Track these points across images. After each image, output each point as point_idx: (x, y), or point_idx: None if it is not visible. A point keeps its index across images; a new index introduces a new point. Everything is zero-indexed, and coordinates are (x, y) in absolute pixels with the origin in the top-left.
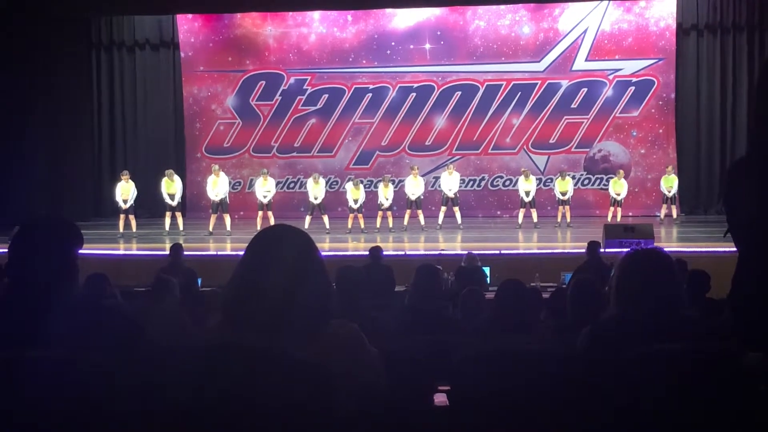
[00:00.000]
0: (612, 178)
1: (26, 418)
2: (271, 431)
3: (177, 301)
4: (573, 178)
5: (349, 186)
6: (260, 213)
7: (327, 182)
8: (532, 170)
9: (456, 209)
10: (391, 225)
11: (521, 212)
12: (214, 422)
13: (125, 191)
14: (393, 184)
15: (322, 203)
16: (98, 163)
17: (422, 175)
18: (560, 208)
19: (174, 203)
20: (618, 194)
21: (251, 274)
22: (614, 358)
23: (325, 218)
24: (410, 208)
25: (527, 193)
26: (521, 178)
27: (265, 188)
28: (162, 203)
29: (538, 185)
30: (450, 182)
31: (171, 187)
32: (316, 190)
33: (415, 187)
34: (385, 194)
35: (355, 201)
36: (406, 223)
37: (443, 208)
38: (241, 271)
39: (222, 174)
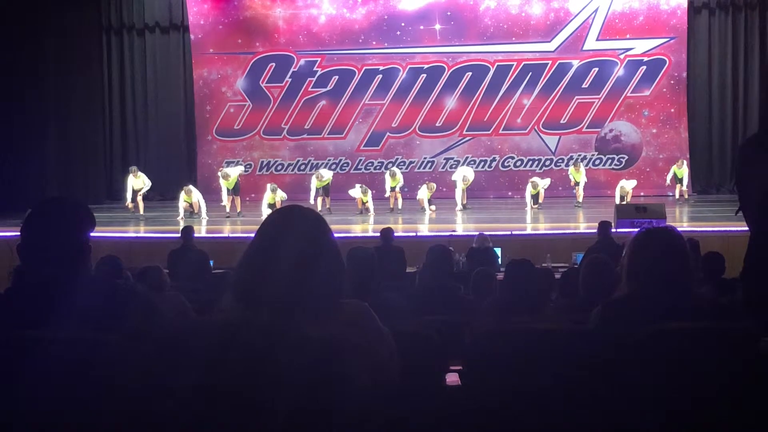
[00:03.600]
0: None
1: (39, 398)
2: (286, 408)
3: (170, 290)
4: (584, 159)
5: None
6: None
7: (338, 164)
8: (543, 151)
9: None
10: (400, 206)
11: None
12: (229, 400)
13: (136, 185)
14: (400, 169)
15: (328, 189)
16: (110, 146)
17: (433, 157)
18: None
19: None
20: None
21: (263, 254)
22: (625, 337)
23: (327, 200)
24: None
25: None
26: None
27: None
28: (175, 185)
29: (549, 165)
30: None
31: (190, 199)
32: (319, 184)
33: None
34: (392, 184)
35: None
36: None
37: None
38: (252, 251)
39: (231, 173)
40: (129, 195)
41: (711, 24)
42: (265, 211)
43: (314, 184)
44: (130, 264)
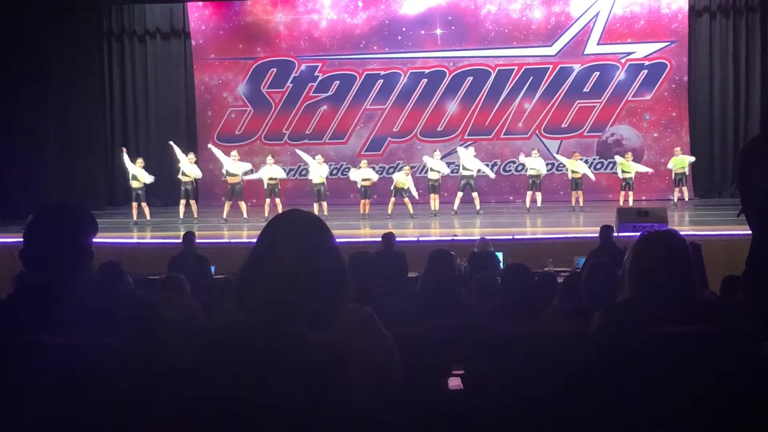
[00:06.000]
0: (620, 159)
1: (42, 403)
2: (288, 412)
3: (188, 296)
4: (585, 162)
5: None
6: (268, 200)
7: (339, 169)
8: (544, 155)
9: (475, 195)
10: (411, 211)
11: (529, 196)
12: (229, 405)
13: (138, 173)
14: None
15: (324, 190)
16: (111, 152)
17: None
18: (573, 192)
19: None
20: (628, 173)
21: (264, 259)
22: (628, 341)
23: (324, 205)
24: (432, 192)
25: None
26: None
27: (269, 173)
28: (176, 190)
29: (549, 170)
30: (468, 158)
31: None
32: (318, 170)
33: (437, 165)
34: (402, 184)
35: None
36: (434, 208)
37: (459, 194)
38: (254, 257)
39: (237, 167)
40: (130, 177)
41: (712, 28)
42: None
43: (314, 166)
44: (132, 270)
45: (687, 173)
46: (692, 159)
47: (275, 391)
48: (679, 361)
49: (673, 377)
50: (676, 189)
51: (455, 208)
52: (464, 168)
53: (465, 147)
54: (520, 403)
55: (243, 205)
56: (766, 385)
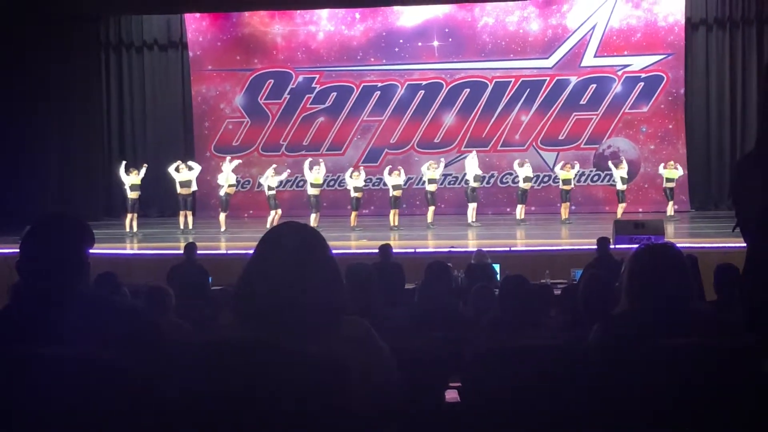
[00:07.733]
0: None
1: (38, 416)
2: (286, 426)
3: (171, 313)
4: (582, 174)
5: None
6: (272, 213)
7: (336, 180)
8: (541, 167)
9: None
10: (396, 222)
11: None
12: (228, 418)
13: (133, 180)
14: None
15: (319, 199)
16: (108, 163)
17: None
18: (564, 204)
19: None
20: (623, 178)
21: (259, 272)
22: (625, 353)
23: (317, 216)
24: (431, 205)
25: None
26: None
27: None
28: (174, 202)
29: (547, 182)
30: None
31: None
32: (314, 175)
33: (434, 173)
34: (396, 180)
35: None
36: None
37: (470, 204)
38: (250, 269)
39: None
40: (128, 189)
41: (708, 40)
42: (266, 185)
43: (311, 173)
44: (129, 281)
45: (673, 186)
46: (681, 173)
47: (273, 404)
48: (676, 374)
49: (671, 389)
50: (671, 202)
51: (469, 220)
52: (474, 179)
53: (471, 156)
54: (518, 415)
55: (222, 216)
56: (763, 396)
